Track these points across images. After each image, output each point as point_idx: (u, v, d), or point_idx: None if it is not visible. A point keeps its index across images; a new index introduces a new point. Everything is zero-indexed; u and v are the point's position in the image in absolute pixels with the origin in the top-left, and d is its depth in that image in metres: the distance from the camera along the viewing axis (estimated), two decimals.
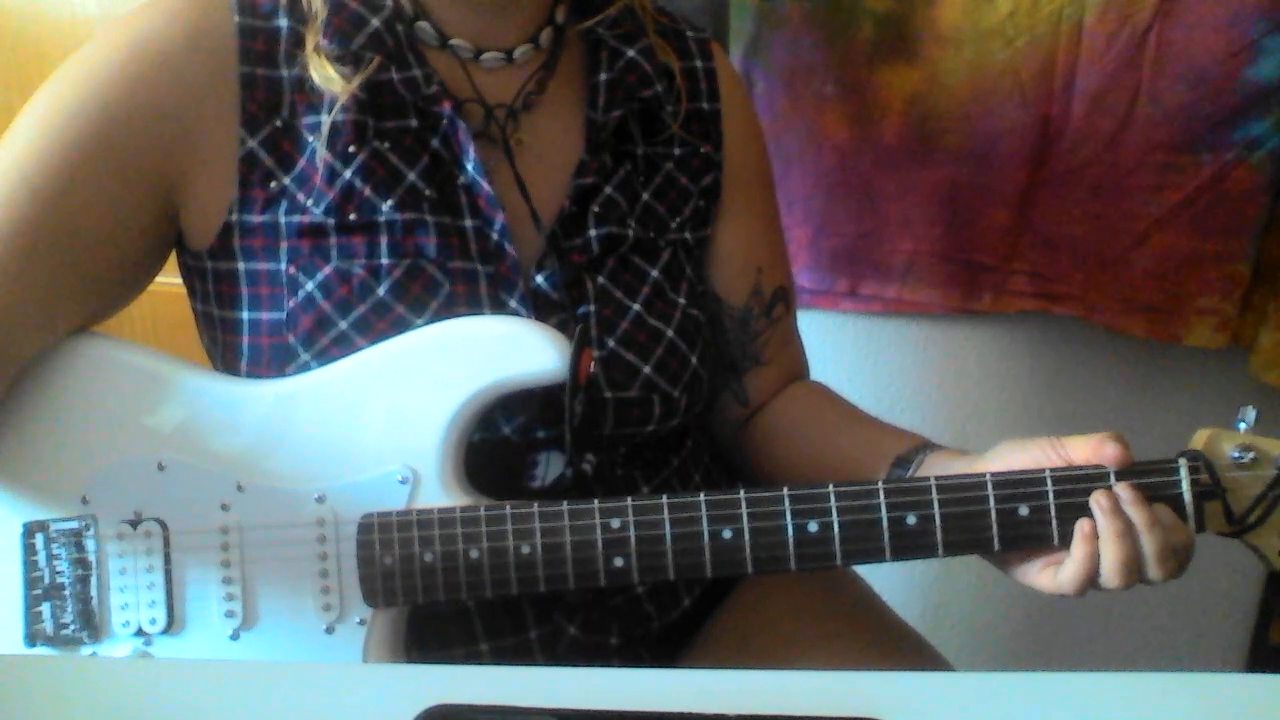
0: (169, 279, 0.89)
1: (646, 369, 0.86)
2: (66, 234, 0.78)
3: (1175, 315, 1.24)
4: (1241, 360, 1.27)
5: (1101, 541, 0.73)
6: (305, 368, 0.81)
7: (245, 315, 0.83)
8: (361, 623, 0.79)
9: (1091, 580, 0.74)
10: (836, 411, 0.97)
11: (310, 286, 0.81)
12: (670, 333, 0.87)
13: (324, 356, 0.80)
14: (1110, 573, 0.72)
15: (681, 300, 0.90)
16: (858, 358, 1.40)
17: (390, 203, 0.81)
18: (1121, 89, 1.18)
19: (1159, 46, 1.15)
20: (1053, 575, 0.75)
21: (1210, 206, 1.19)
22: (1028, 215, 1.26)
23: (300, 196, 0.81)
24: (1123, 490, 0.73)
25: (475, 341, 0.79)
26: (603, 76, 0.88)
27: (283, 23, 0.82)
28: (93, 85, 0.79)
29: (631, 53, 0.89)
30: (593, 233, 0.86)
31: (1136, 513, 0.72)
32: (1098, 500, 0.73)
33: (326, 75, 0.80)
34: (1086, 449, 0.75)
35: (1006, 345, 1.38)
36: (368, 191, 0.81)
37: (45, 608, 0.80)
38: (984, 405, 1.41)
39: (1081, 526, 0.73)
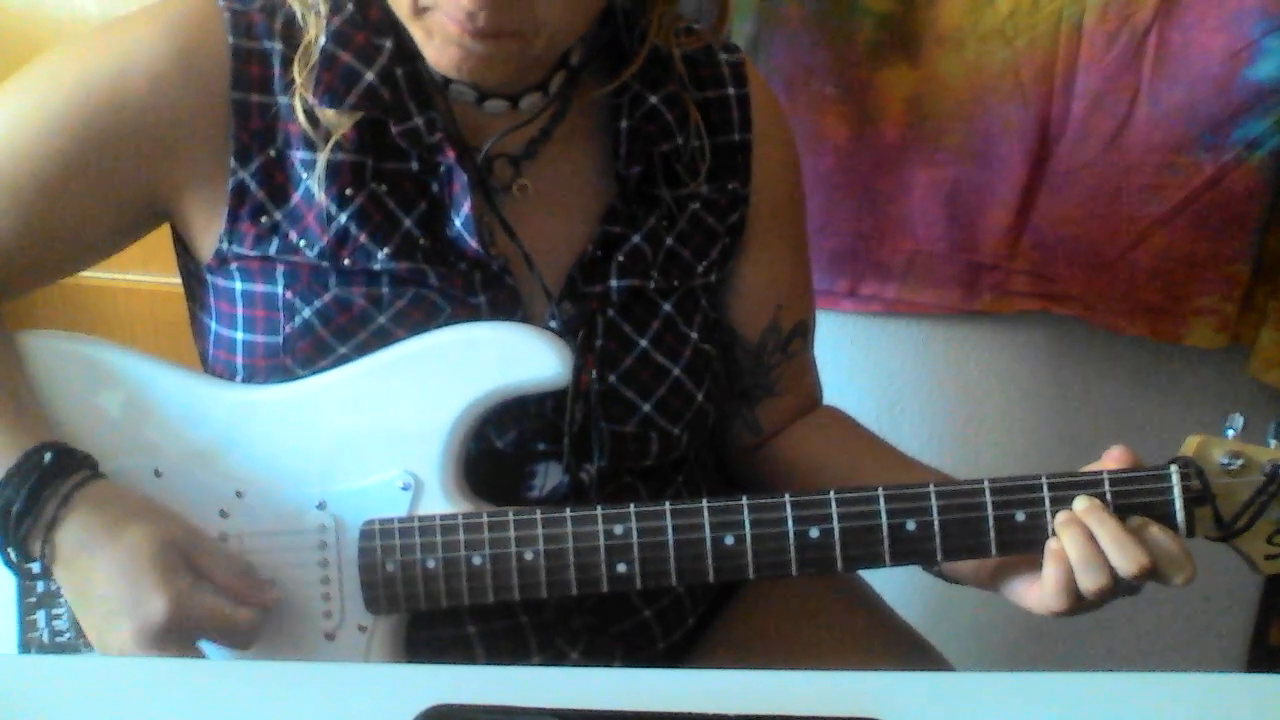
0: (169, 279, 0.88)
1: (646, 407, 0.84)
2: (31, 226, 0.78)
3: (1175, 315, 1.24)
4: (1241, 360, 1.27)
5: (1064, 543, 0.74)
6: None
7: (241, 336, 0.81)
8: (362, 629, 0.78)
9: (1069, 588, 0.74)
10: (858, 444, 0.96)
11: (308, 314, 0.79)
12: (677, 370, 0.85)
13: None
14: (1079, 574, 0.73)
15: (694, 335, 0.86)
16: (858, 358, 1.40)
17: (386, 251, 0.78)
18: (1121, 89, 1.17)
19: (1159, 46, 1.15)
20: (1039, 594, 0.76)
21: (1210, 206, 1.19)
22: (1028, 215, 1.26)
23: (293, 235, 0.79)
24: (1079, 501, 0.74)
25: (477, 347, 0.79)
26: (624, 124, 0.83)
27: (277, 45, 0.78)
28: (78, 98, 0.77)
29: (654, 100, 0.84)
30: (614, 283, 0.83)
31: (1091, 518, 0.73)
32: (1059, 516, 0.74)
33: (316, 118, 0.77)
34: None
35: (1006, 345, 1.37)
36: (363, 238, 0.78)
37: (40, 615, 0.79)
38: (984, 405, 1.40)
39: (1049, 545, 0.74)
